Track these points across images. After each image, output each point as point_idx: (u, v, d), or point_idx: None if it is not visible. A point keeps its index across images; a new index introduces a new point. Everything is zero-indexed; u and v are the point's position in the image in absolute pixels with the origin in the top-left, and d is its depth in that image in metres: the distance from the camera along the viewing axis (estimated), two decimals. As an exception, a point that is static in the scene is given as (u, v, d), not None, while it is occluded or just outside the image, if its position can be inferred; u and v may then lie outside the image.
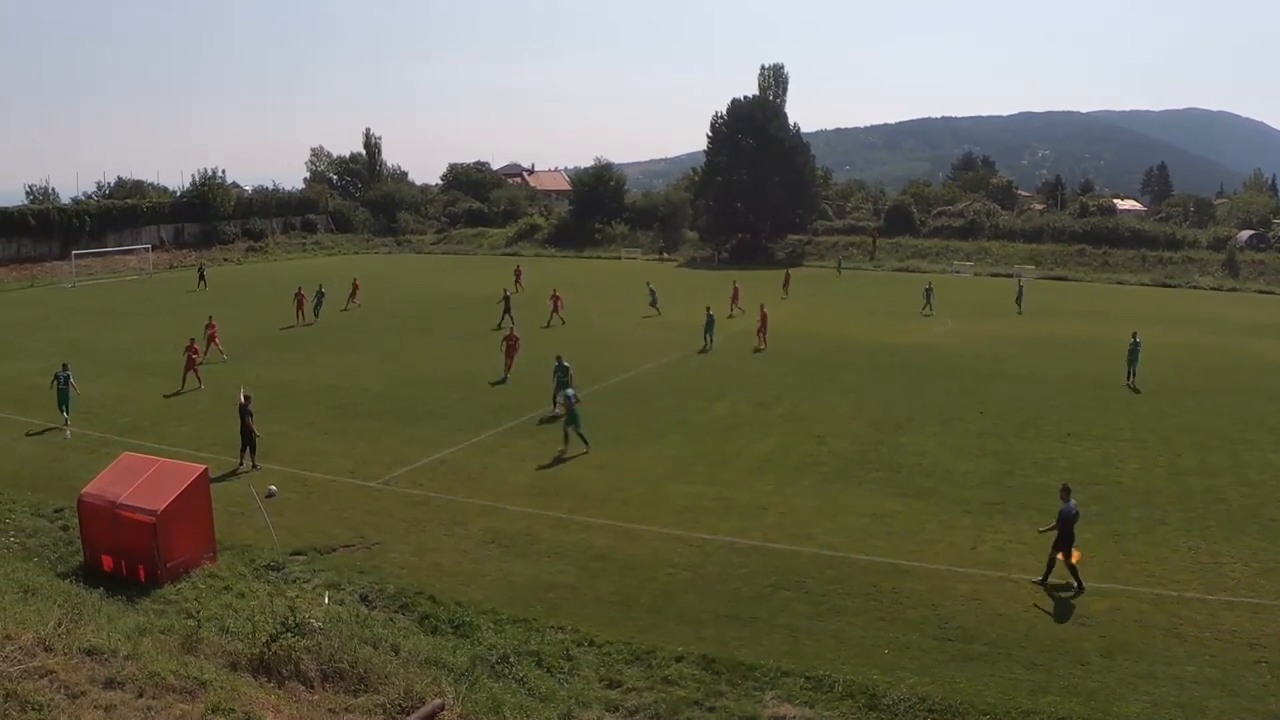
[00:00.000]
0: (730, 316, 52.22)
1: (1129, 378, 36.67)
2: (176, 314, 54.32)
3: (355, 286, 57.89)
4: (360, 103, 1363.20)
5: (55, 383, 30.24)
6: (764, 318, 44.60)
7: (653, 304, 50.21)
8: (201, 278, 69.61)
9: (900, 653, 15.97)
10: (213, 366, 38.21)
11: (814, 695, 14.49)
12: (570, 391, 28.34)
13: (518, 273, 66.90)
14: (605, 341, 45.04)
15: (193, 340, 36.52)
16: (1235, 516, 22.38)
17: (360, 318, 52.39)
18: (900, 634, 16.66)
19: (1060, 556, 18.49)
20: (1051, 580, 18.63)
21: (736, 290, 55.52)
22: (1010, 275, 76.83)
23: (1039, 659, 15.58)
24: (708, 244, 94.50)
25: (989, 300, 60.04)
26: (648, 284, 47.86)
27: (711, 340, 43.70)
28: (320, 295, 52.68)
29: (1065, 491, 19.12)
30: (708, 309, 44.67)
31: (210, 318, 42.67)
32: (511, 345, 37.45)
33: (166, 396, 34.21)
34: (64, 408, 30.14)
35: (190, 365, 35.34)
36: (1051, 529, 18.83)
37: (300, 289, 51.70)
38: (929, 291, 56.72)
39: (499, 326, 47.38)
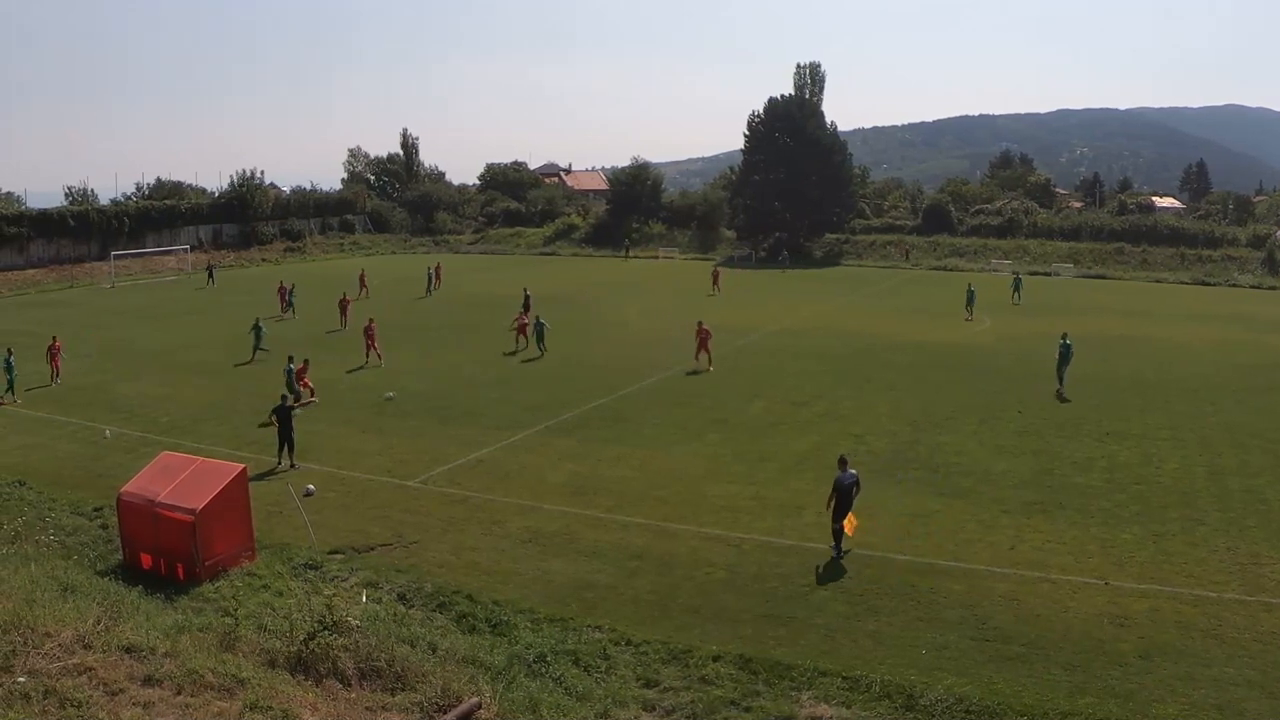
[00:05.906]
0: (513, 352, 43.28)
1: (1059, 383, 34.67)
2: (213, 313, 54.86)
3: (359, 288, 59.55)
4: (398, 104, 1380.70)
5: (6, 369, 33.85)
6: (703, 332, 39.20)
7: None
8: (210, 276, 71.49)
9: (938, 653, 15.84)
10: (237, 366, 38.53)
11: (851, 695, 14.41)
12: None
13: (362, 276, 62.99)
14: (642, 340, 45.00)
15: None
16: (1275, 517, 22.04)
17: (397, 317, 52.46)
18: (938, 634, 16.53)
19: (841, 524, 19.46)
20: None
21: (528, 300, 50.78)
22: (1049, 274, 76.35)
23: (1077, 660, 15.42)
24: (745, 243, 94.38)
25: (1026, 299, 59.53)
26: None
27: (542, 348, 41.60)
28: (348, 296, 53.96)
29: (841, 461, 20.13)
30: (538, 318, 42.83)
31: (54, 337, 38.43)
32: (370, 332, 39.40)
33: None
34: (10, 387, 33.79)
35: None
36: (832, 498, 19.69)
37: (283, 284, 54.49)
38: (971, 295, 53.89)
39: (341, 327, 48.52)
